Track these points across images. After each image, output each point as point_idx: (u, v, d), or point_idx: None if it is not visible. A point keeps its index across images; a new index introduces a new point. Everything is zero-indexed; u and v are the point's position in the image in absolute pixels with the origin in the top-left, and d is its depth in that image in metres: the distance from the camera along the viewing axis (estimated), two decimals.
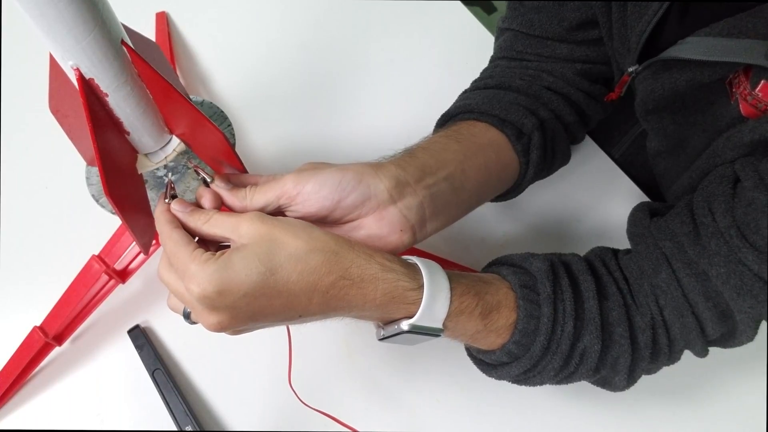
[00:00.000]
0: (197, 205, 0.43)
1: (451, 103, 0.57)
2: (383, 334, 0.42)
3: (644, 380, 0.47)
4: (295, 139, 0.70)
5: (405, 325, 0.40)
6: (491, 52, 0.63)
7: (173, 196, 0.44)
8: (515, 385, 0.48)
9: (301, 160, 0.67)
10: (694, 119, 0.49)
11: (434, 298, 0.40)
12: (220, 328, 0.39)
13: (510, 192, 0.56)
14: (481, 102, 0.54)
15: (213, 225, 0.41)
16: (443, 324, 0.41)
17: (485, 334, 0.43)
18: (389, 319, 0.41)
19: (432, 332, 0.41)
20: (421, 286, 0.40)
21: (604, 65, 0.57)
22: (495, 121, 0.52)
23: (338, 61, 0.75)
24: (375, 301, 0.39)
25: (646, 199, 0.65)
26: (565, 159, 0.59)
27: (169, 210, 0.43)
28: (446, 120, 0.56)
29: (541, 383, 0.47)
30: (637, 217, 0.49)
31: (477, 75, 0.61)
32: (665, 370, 0.48)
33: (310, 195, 0.42)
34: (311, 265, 0.38)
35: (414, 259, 0.42)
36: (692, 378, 0.57)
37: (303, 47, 0.77)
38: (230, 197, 0.44)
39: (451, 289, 0.41)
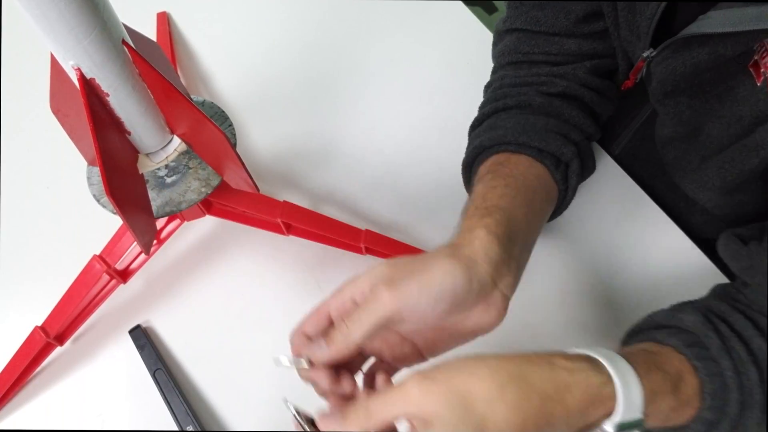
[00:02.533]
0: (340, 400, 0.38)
1: (458, 110, 0.56)
2: None
3: None
4: (295, 138, 0.70)
5: (610, 427, 0.36)
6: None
7: (311, 421, 0.38)
8: None
9: (301, 160, 0.67)
10: (711, 106, 0.47)
11: (627, 385, 0.36)
12: None
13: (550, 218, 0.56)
14: (513, 132, 0.53)
15: (377, 413, 0.34)
16: (643, 412, 0.37)
17: (680, 409, 0.40)
18: (587, 427, 0.37)
19: (635, 426, 0.36)
20: (610, 377, 0.36)
21: (611, 58, 0.56)
22: (534, 153, 0.51)
23: (339, 61, 0.75)
24: (575, 409, 0.35)
25: (646, 198, 0.64)
26: (592, 170, 0.59)
27: None
28: (479, 152, 0.54)
29: None
30: (733, 250, 0.46)
31: (477, 75, 0.61)
32: None
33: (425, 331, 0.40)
34: (510, 401, 0.33)
35: (578, 350, 0.38)
36: None
37: (304, 47, 0.77)
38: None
39: (634, 369, 0.37)
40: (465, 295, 0.39)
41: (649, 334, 0.44)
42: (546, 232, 0.63)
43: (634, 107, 0.59)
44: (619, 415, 0.35)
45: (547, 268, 0.60)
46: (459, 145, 0.68)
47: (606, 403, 0.36)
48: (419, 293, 0.37)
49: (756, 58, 0.42)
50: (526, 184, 0.49)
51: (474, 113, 0.59)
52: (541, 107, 0.55)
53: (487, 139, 0.54)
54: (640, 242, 0.61)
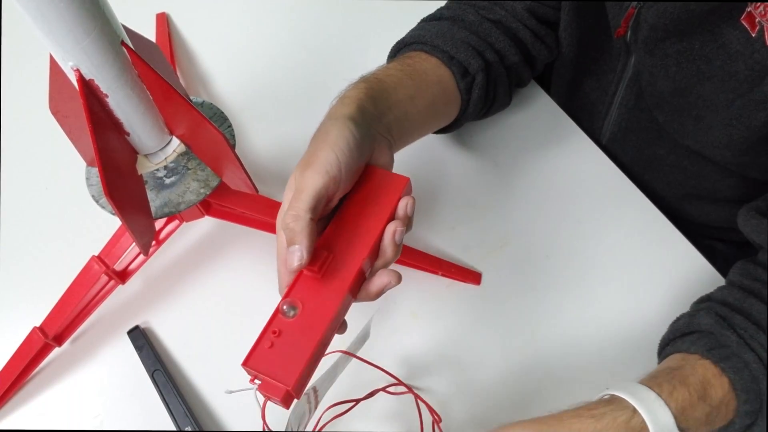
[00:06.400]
0: None
1: None
2: None
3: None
4: (295, 139, 0.69)
5: None
6: None
7: None
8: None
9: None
10: (698, 67, 0.49)
11: (653, 411, 0.39)
12: None
13: (449, 127, 0.61)
14: (434, 35, 0.57)
15: None
16: (678, 427, 0.39)
17: (716, 412, 0.42)
18: None
19: None
20: (635, 409, 0.38)
21: (552, 9, 0.60)
22: (444, 57, 0.56)
23: (338, 62, 0.75)
24: None
25: (635, 189, 0.65)
26: (504, 103, 0.64)
27: None
28: (401, 47, 0.60)
29: None
30: (753, 224, 0.49)
31: None
32: None
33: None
34: None
35: (601, 394, 0.41)
36: None
37: (303, 48, 0.77)
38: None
39: (658, 393, 0.40)
40: (360, 140, 0.43)
41: (675, 345, 0.46)
42: (547, 231, 0.63)
43: (613, 82, 0.62)
44: None
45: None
46: (460, 147, 0.68)
47: None
48: (328, 158, 0.41)
49: (749, 9, 0.43)
50: (422, 77, 0.54)
51: None
52: (472, 25, 0.59)
53: (409, 36, 0.60)
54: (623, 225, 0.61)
